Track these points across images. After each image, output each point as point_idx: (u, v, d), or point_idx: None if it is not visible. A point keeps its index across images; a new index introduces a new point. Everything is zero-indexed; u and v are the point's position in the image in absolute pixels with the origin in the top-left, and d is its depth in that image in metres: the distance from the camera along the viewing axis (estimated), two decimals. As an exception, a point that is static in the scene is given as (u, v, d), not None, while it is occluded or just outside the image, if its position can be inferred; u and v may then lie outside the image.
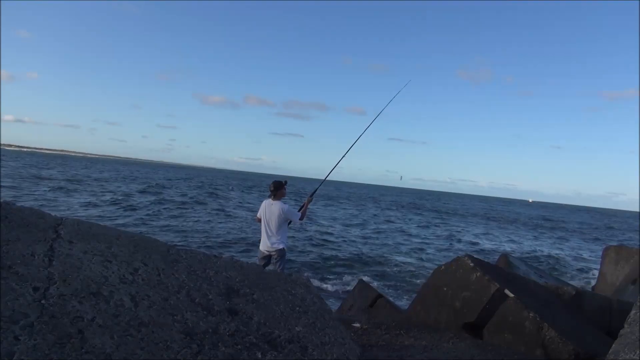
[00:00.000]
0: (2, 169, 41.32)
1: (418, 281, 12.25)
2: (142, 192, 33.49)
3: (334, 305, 7.93)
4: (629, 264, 8.72)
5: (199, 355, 2.21)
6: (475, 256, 5.39)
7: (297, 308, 3.10)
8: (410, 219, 35.53)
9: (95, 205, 22.64)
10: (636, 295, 6.59)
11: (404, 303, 9.44)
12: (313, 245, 16.95)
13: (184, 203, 28.37)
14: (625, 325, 2.84)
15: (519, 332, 4.27)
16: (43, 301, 2.16)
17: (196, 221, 20.63)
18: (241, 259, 3.80)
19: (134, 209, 22.66)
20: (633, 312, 2.94)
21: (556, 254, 21.86)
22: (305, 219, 6.34)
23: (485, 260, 6.06)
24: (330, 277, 12.15)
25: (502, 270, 5.75)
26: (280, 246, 5.90)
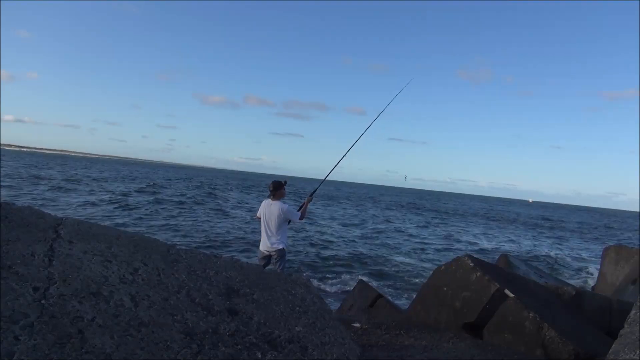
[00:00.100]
0: (2, 169, 41.32)
1: (418, 281, 12.24)
2: (140, 191, 33.48)
3: (333, 305, 7.93)
4: (629, 264, 8.73)
5: (199, 355, 2.21)
6: (475, 256, 5.39)
7: (297, 308, 3.10)
8: (410, 219, 35.53)
9: (93, 205, 22.63)
10: (636, 295, 6.59)
11: (403, 303, 9.44)
12: (312, 245, 16.94)
13: (182, 203, 28.36)
14: (625, 325, 2.84)
15: (519, 332, 4.27)
16: (43, 301, 2.15)
17: (195, 221, 20.63)
18: (241, 259, 3.80)
19: (132, 209, 22.65)
20: (633, 312, 2.94)
21: (556, 254, 21.87)
22: (305, 219, 6.33)
23: (485, 260, 6.06)
24: (330, 277, 12.14)
25: (502, 270, 5.75)
26: (280, 246, 5.90)
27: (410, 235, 23.99)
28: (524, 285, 5.26)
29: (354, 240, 19.64)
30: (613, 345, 2.72)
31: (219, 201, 33.49)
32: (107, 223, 15.72)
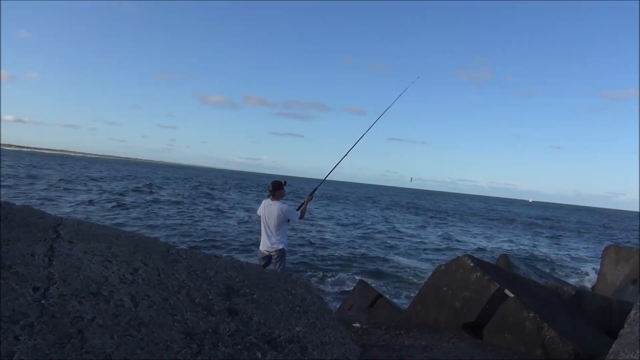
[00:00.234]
0: (1, 169, 41.30)
1: (418, 281, 12.24)
2: (139, 191, 33.49)
3: (333, 305, 7.93)
4: (629, 264, 8.73)
5: (199, 355, 2.21)
6: (475, 256, 5.39)
7: (297, 308, 3.10)
8: (409, 219, 35.54)
9: (91, 205, 22.63)
10: (636, 295, 6.60)
11: (403, 302, 9.44)
12: (312, 245, 16.95)
13: (179, 203, 28.37)
14: (625, 325, 2.84)
15: (519, 332, 4.27)
16: (43, 301, 2.15)
17: (194, 221, 20.63)
18: (241, 259, 3.80)
19: (131, 209, 22.66)
20: (633, 312, 2.94)
21: (556, 253, 21.88)
22: (304, 219, 6.31)
23: (485, 260, 6.07)
24: (330, 277, 12.14)
25: (502, 270, 5.75)
26: (280, 246, 5.89)
27: (410, 235, 23.99)
28: (524, 285, 5.26)
29: (353, 240, 19.65)
30: (613, 345, 2.72)
31: (218, 201, 33.50)
32: (105, 223, 15.72)
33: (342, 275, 12.42)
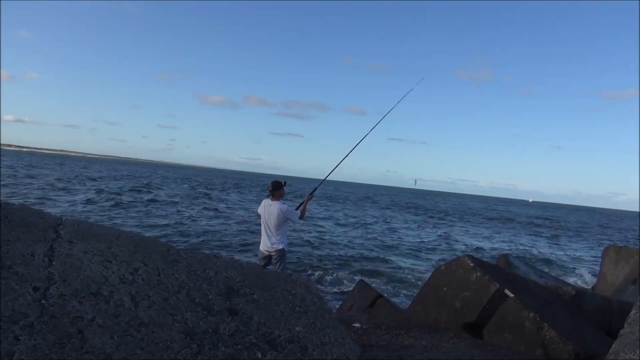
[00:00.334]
0: (1, 169, 41.30)
1: (418, 281, 12.25)
2: (138, 191, 33.49)
3: (333, 305, 7.93)
4: (629, 264, 8.73)
5: (199, 355, 2.20)
6: (475, 256, 5.39)
7: (297, 308, 3.10)
8: (409, 219, 35.54)
9: (90, 204, 22.63)
10: (636, 295, 6.60)
11: (403, 302, 9.44)
12: (312, 245, 16.95)
13: (178, 203, 28.37)
14: (625, 325, 2.84)
15: (519, 332, 4.27)
16: (43, 301, 2.15)
17: (194, 221, 20.63)
18: (241, 259, 3.80)
19: (130, 208, 22.65)
20: (633, 312, 2.94)
21: (555, 253, 21.88)
22: (305, 218, 6.29)
23: (485, 260, 6.07)
24: (329, 277, 12.14)
25: (502, 270, 5.75)
26: (280, 246, 5.89)
27: (410, 235, 24.00)
28: (524, 285, 5.26)
29: (353, 240, 19.65)
30: (613, 345, 2.72)
31: (216, 201, 33.50)
32: (104, 222, 15.72)
33: (341, 275, 12.42)
